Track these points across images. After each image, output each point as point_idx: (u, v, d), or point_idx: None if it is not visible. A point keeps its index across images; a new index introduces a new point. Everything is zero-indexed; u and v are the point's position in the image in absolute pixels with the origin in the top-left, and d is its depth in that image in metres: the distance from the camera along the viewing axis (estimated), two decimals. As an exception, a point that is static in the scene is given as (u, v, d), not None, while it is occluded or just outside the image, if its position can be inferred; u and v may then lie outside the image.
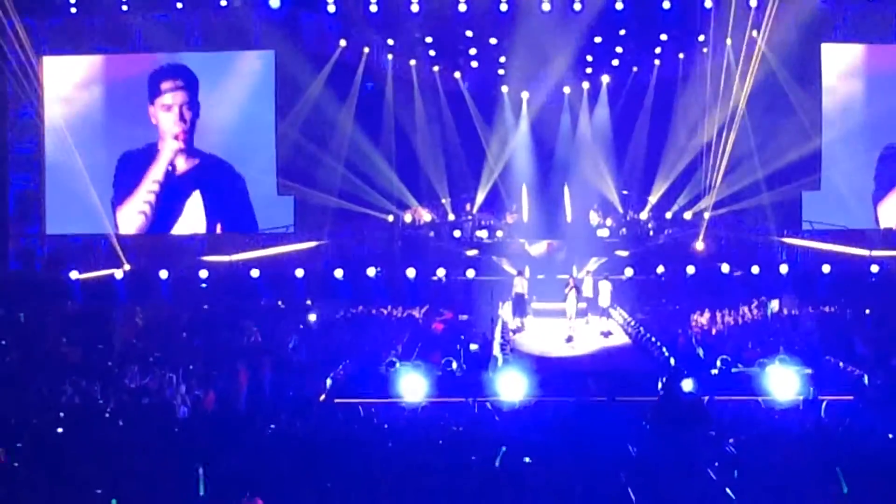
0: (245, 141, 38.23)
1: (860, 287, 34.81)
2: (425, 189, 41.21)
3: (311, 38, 38.82)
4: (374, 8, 36.94)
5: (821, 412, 18.80)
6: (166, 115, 38.74)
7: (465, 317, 34.07)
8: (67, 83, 38.59)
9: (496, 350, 28.06)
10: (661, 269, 36.36)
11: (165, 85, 38.65)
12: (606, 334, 32.45)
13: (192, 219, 38.95)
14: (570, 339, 30.89)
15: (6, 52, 35.63)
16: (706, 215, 38.00)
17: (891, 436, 16.83)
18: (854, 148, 37.50)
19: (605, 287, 33.39)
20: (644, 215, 41.00)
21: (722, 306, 33.57)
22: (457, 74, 41.48)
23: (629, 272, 36.16)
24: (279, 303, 35.16)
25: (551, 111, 42.48)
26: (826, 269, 35.41)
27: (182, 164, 38.83)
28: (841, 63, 37.65)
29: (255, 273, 35.87)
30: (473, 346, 27.84)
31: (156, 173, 38.86)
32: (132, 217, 38.90)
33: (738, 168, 37.41)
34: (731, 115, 36.93)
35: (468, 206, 41.75)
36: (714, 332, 31.41)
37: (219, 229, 39.00)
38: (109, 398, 22.38)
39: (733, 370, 24.88)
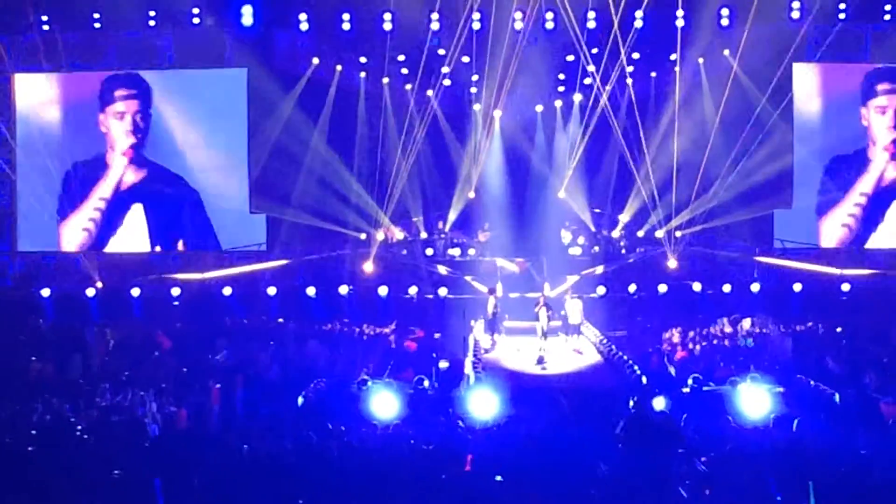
0: (216, 160, 38.05)
1: (832, 305, 35.01)
2: (398, 207, 41.09)
3: (284, 56, 38.84)
4: (346, 26, 37.05)
5: (792, 430, 18.79)
6: (118, 123, 38.12)
7: (438, 335, 34.08)
8: (40, 100, 38.36)
9: (468, 368, 28.03)
10: (633, 288, 36.46)
11: (119, 92, 38.13)
12: (577, 352, 32.48)
13: (133, 233, 38.41)
14: (540, 361, 30.85)
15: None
16: (678, 234, 38.14)
17: (863, 452, 16.87)
18: (823, 166, 37.79)
19: (576, 305, 33.44)
20: (616, 234, 41.05)
21: (694, 325, 33.68)
22: (429, 92, 41.45)
23: (601, 290, 36.27)
24: (244, 320, 35.11)
25: (524, 129, 42.57)
26: (797, 287, 35.62)
27: (131, 177, 38.35)
28: (812, 82, 37.88)
29: (227, 291, 35.87)
30: (444, 364, 27.86)
31: (104, 188, 38.31)
32: (76, 233, 38.40)
33: (710, 186, 37.58)
34: (703, 133, 37.12)
35: (440, 225, 41.70)
36: (686, 350, 31.44)
37: (157, 248, 38.65)
38: (80, 416, 22.24)
39: (705, 388, 24.91)
